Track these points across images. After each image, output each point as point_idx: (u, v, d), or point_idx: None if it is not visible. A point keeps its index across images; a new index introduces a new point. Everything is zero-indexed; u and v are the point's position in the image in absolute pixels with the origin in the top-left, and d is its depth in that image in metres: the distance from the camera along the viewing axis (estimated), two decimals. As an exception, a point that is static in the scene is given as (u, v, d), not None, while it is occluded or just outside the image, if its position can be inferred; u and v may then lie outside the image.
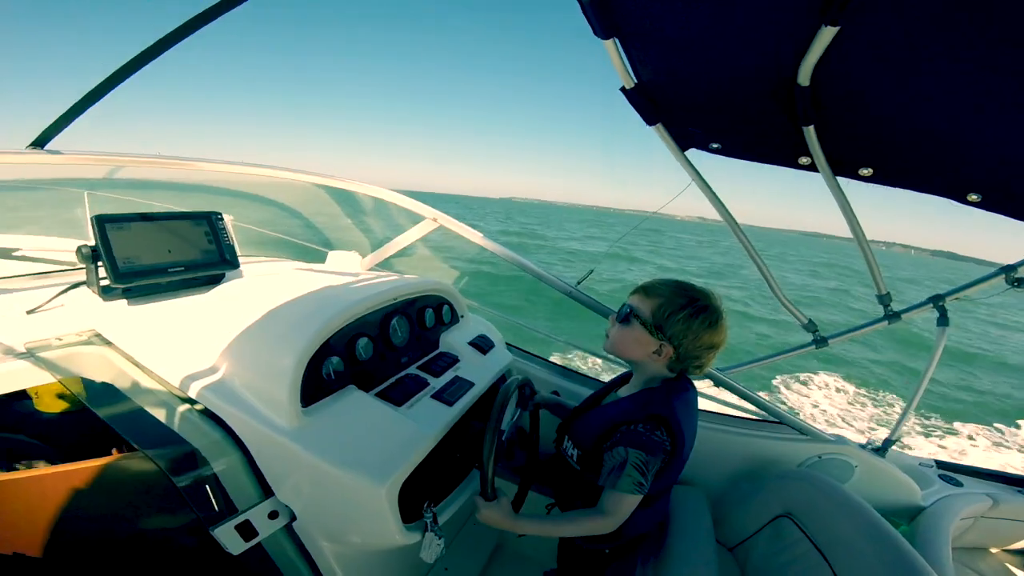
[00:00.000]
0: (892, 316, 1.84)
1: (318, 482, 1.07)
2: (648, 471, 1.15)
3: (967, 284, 1.80)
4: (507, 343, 1.92)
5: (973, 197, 1.40)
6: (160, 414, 1.15)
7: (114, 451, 1.42)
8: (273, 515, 1.10)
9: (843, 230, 1.70)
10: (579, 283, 2.00)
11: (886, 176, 1.44)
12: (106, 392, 1.23)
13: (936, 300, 1.83)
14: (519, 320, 2.62)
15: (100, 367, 1.27)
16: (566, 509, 1.41)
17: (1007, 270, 1.72)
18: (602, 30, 1.06)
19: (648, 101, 1.38)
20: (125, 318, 1.40)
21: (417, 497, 1.16)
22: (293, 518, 1.13)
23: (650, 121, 1.47)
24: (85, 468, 1.16)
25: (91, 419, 1.22)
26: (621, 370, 1.49)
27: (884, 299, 1.82)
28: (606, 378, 2.17)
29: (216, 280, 1.66)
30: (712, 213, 1.79)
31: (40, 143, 1.51)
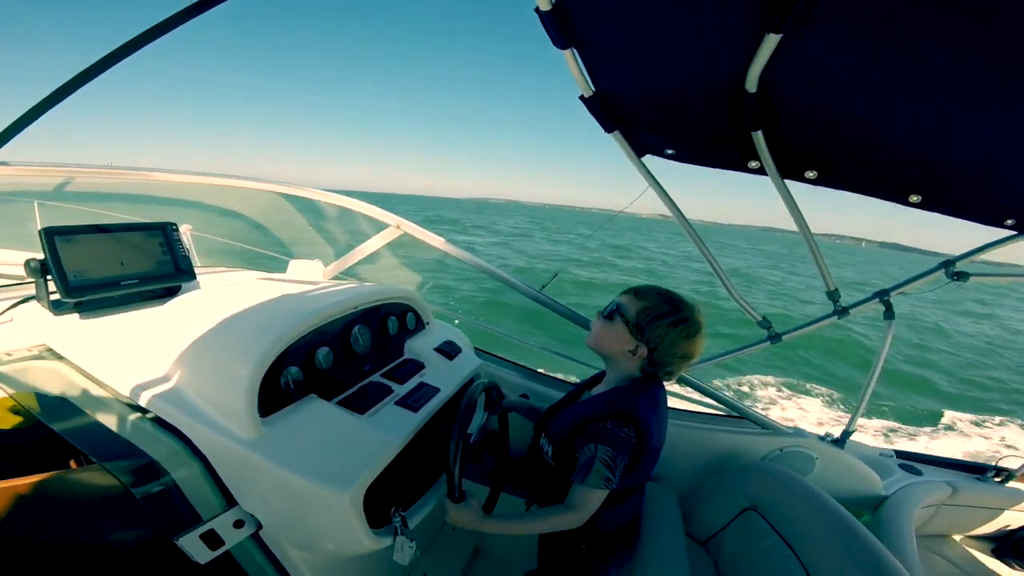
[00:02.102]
0: (841, 311, 1.92)
1: (281, 492, 1.07)
2: (616, 467, 1.19)
3: (910, 279, 1.89)
4: (476, 348, 1.92)
5: (914, 198, 1.47)
6: (117, 426, 1.13)
7: (72, 463, 1.37)
8: (239, 524, 1.08)
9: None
10: (543, 288, 2.02)
11: (830, 179, 1.49)
12: (61, 406, 1.20)
13: (882, 295, 1.91)
14: (487, 324, 2.63)
15: (53, 381, 1.24)
16: (543, 505, 1.43)
17: (946, 264, 1.81)
18: (560, 41, 1.09)
19: (606, 109, 1.42)
20: (77, 332, 1.36)
21: (388, 503, 1.17)
22: (260, 527, 1.12)
23: (608, 128, 1.50)
24: (40, 480, 1.13)
25: (47, 433, 1.19)
26: (591, 372, 1.53)
27: (833, 295, 1.89)
28: (575, 380, 2.19)
29: (172, 292, 1.62)
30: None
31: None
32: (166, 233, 1.63)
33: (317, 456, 1.09)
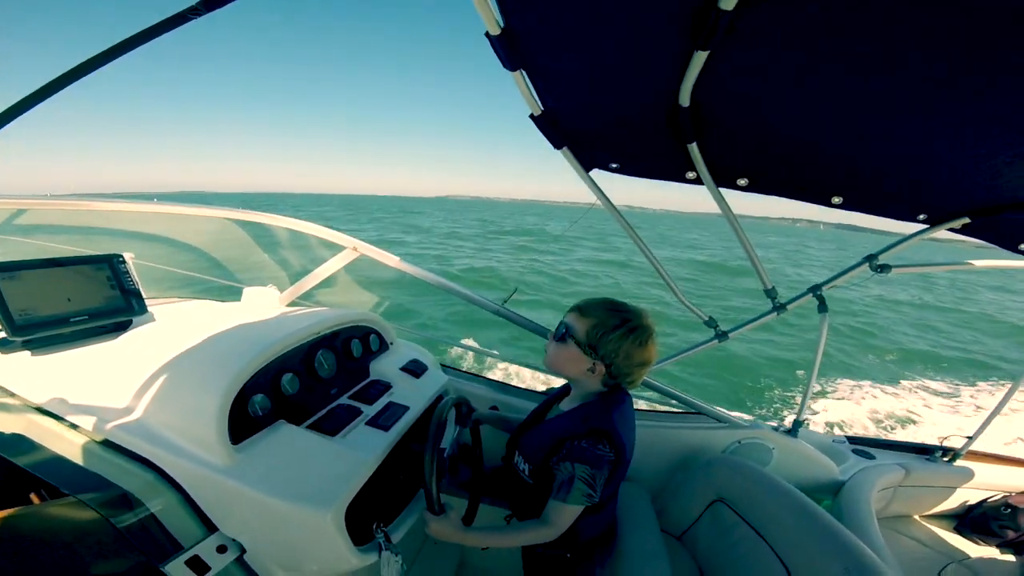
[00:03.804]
0: (779, 307, 2.05)
1: (262, 515, 1.07)
2: (596, 483, 1.22)
3: (838, 274, 2.05)
4: (441, 364, 1.94)
5: (836, 200, 1.59)
6: (83, 460, 1.10)
7: (32, 496, 1.31)
8: (222, 549, 1.07)
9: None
10: (505, 302, 2.07)
11: (760, 185, 1.60)
12: (19, 443, 1.15)
13: (815, 290, 2.06)
14: (450, 340, 2.65)
15: (7, 420, 1.19)
16: (522, 519, 1.45)
17: (870, 259, 1.97)
18: (509, 63, 1.13)
19: (553, 127, 1.47)
20: (28, 369, 1.32)
21: (367, 521, 1.17)
22: (243, 551, 1.11)
23: (557, 145, 1.56)
24: (8, 516, 1.07)
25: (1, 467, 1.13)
26: (557, 380, 1.57)
27: (771, 293, 2.02)
28: (542, 388, 2.24)
29: (123, 327, 1.57)
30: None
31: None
32: (112, 265, 1.58)
33: (294, 479, 1.09)
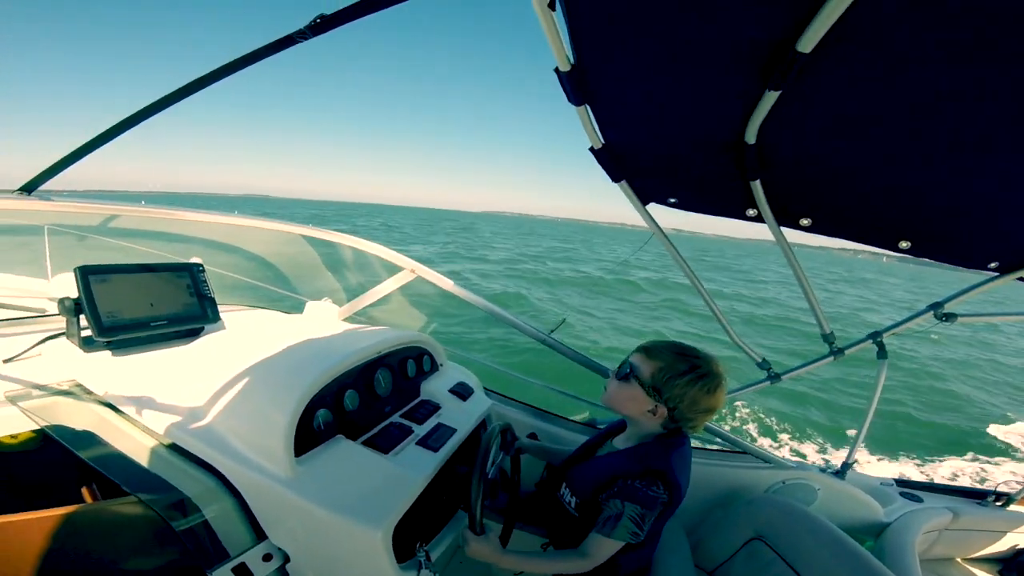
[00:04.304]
0: (837, 352, 1.99)
1: (314, 527, 1.10)
2: (644, 524, 1.22)
3: (901, 321, 1.97)
4: (485, 388, 1.97)
5: (904, 244, 1.54)
6: (148, 461, 1.16)
7: (85, 491, 1.39)
8: (267, 557, 1.11)
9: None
10: (552, 332, 2.08)
11: (823, 226, 1.57)
12: (91, 440, 1.22)
13: (874, 336, 2.00)
14: (496, 366, 2.68)
15: (83, 417, 1.27)
16: (559, 548, 1.46)
17: (935, 307, 1.90)
18: (575, 98, 1.15)
19: (613, 160, 1.49)
20: (108, 369, 1.41)
21: (406, 537, 1.20)
22: (287, 560, 1.15)
23: (616, 178, 1.57)
24: (65, 513, 1.14)
25: (55, 458, 1.21)
26: (598, 411, 1.57)
27: (828, 337, 1.96)
28: (582, 415, 2.23)
29: (196, 332, 1.67)
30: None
31: (29, 188, 1.52)
32: (192, 274, 1.69)
33: (348, 494, 1.13)
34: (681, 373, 1.24)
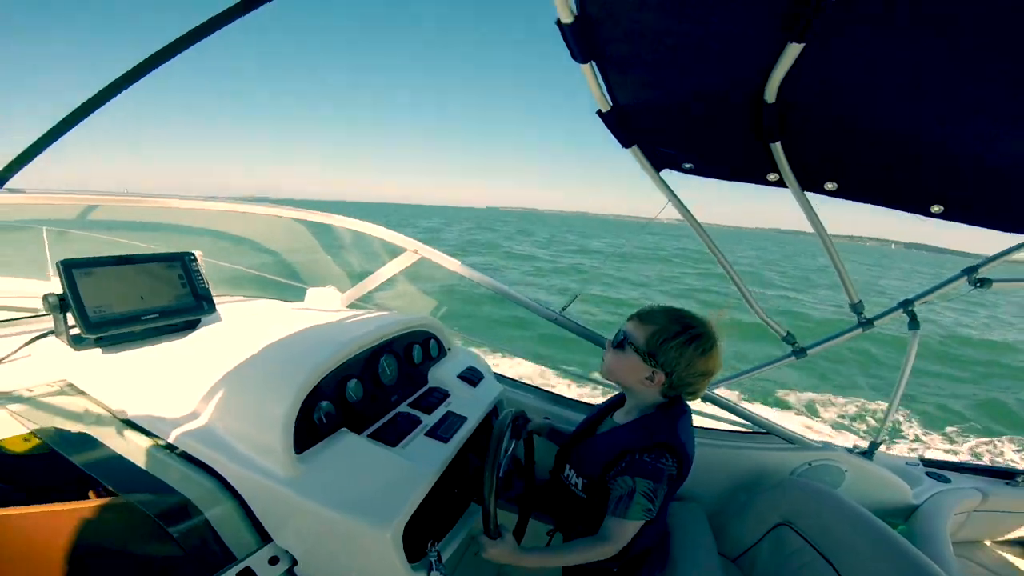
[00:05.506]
0: (865, 323, 1.90)
1: (320, 529, 1.05)
2: (656, 498, 1.18)
3: (933, 288, 1.88)
4: (495, 373, 1.90)
5: (936, 208, 1.45)
6: (145, 463, 1.11)
7: (91, 494, 1.34)
8: (273, 560, 1.06)
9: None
10: (563, 309, 2.01)
11: (850, 191, 1.49)
12: (84, 442, 1.16)
13: (905, 305, 1.90)
14: (506, 348, 2.62)
15: (76, 417, 1.22)
16: (568, 535, 1.42)
17: (968, 271, 1.80)
18: (580, 54, 1.06)
19: (623, 124, 1.41)
20: (99, 367, 1.34)
21: (416, 534, 1.14)
22: (294, 562, 1.10)
23: (626, 143, 1.49)
24: (67, 509, 1.09)
25: (61, 461, 1.15)
26: (610, 392, 1.50)
27: (857, 307, 1.88)
28: (595, 400, 2.17)
29: (192, 325, 1.60)
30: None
31: None
32: (184, 263, 1.62)
33: (355, 492, 1.07)
34: (675, 335, 1.21)
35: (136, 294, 1.46)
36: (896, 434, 7.23)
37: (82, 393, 1.28)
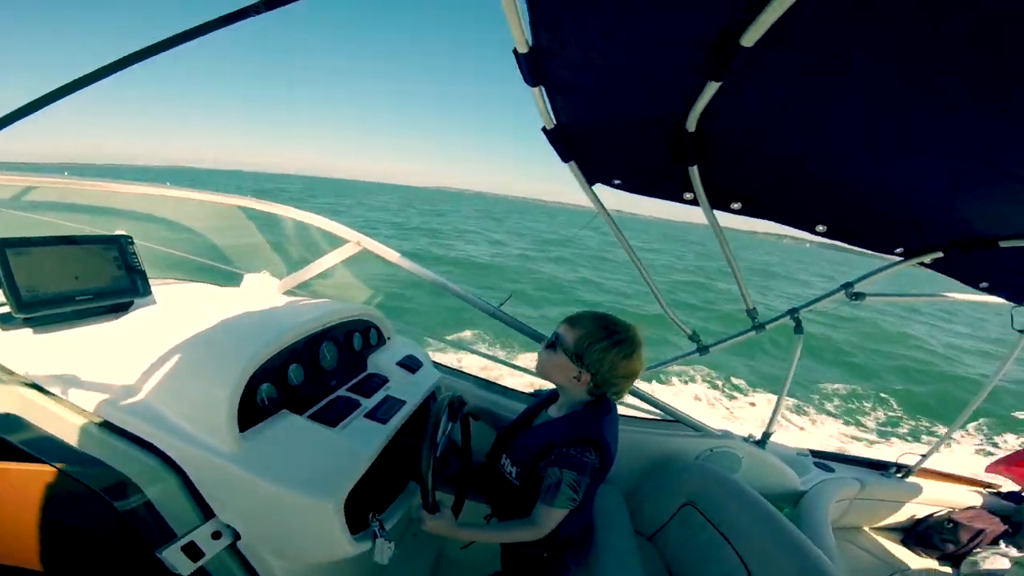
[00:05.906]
0: (758, 327, 2.16)
1: (264, 503, 1.10)
2: (580, 488, 1.29)
3: (816, 299, 2.17)
4: (434, 361, 1.99)
5: (820, 228, 1.69)
6: (82, 442, 1.11)
7: None
8: (216, 535, 1.10)
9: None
10: (501, 305, 2.12)
11: (752, 209, 1.69)
12: (15, 422, 1.15)
13: (792, 312, 2.18)
14: (444, 339, 2.70)
15: (3, 399, 1.19)
16: (504, 518, 1.52)
17: (846, 286, 2.09)
18: (531, 79, 1.17)
19: (564, 141, 1.53)
20: (30, 347, 1.32)
21: (358, 510, 1.22)
22: (237, 537, 1.14)
23: (565, 158, 1.62)
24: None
25: None
26: (545, 383, 1.62)
27: (751, 313, 2.13)
28: (529, 390, 2.30)
29: (125, 307, 1.58)
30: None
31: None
32: (121, 246, 1.59)
33: (297, 468, 1.13)
34: (600, 339, 1.31)
35: (70, 275, 1.44)
36: (793, 424, 7.94)
37: (11, 374, 1.24)
